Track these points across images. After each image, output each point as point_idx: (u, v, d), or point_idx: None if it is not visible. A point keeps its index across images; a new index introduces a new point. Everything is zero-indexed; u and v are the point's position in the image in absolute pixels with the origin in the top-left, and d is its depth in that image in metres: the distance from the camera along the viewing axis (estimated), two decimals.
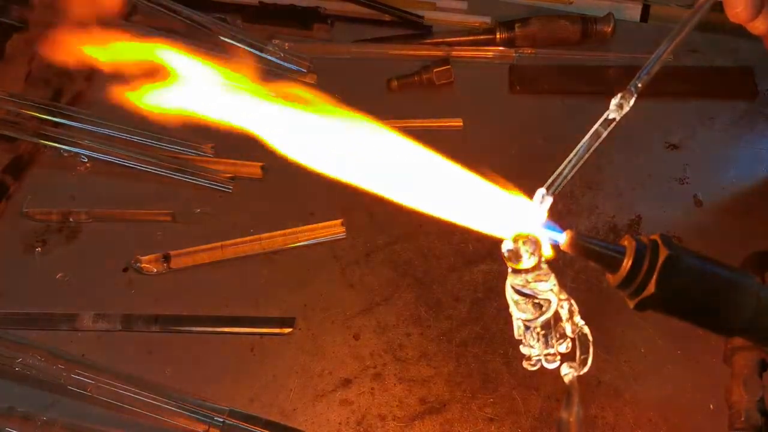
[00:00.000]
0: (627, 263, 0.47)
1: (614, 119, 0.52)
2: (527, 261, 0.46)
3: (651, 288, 0.46)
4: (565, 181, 0.48)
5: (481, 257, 0.79)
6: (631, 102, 0.52)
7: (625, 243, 0.48)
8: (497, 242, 0.84)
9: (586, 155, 0.50)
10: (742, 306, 0.48)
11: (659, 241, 0.47)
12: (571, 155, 0.49)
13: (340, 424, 0.68)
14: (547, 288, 0.48)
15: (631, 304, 0.48)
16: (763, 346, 0.58)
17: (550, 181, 0.48)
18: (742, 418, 0.56)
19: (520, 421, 0.67)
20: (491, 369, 0.71)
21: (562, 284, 0.75)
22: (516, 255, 0.46)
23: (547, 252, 0.47)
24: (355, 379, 0.71)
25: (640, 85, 0.53)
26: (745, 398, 0.56)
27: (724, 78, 0.97)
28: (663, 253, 0.46)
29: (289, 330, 0.74)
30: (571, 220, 0.82)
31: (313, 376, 0.71)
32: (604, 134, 0.51)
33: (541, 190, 0.47)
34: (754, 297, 0.48)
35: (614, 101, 0.52)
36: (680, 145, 0.90)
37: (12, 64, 0.93)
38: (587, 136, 0.50)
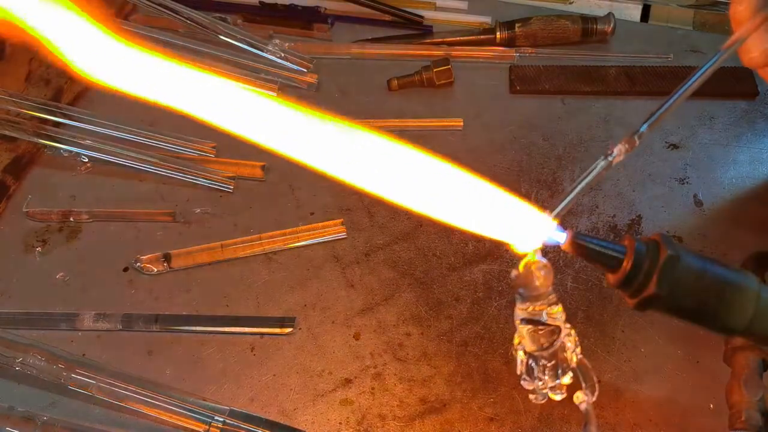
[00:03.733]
0: (627, 263, 0.47)
1: (610, 162, 0.51)
2: (539, 287, 0.46)
3: (651, 288, 0.46)
4: (568, 206, 0.48)
5: (481, 257, 0.79)
6: (634, 148, 0.52)
7: (625, 243, 0.48)
8: (497, 242, 0.85)
9: (583, 184, 0.49)
10: (742, 306, 0.48)
11: (659, 241, 0.47)
12: (575, 185, 0.49)
13: (340, 423, 0.68)
14: (556, 314, 0.47)
15: (631, 304, 0.48)
16: (763, 346, 0.58)
17: (557, 209, 0.47)
18: (742, 418, 0.56)
19: (521, 421, 0.68)
20: (491, 368, 0.71)
21: (563, 284, 0.75)
22: (527, 280, 0.46)
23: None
24: (356, 378, 0.71)
25: (644, 131, 0.53)
26: (745, 398, 0.56)
27: (724, 78, 0.97)
28: (663, 253, 0.46)
29: (289, 330, 0.74)
30: (571, 220, 0.82)
31: (313, 376, 0.71)
32: (596, 171, 0.50)
33: (548, 218, 0.46)
34: (754, 297, 0.48)
35: (619, 147, 0.52)
36: (680, 145, 0.90)
37: (12, 63, 0.93)
38: (588, 173, 0.50)
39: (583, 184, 0.49)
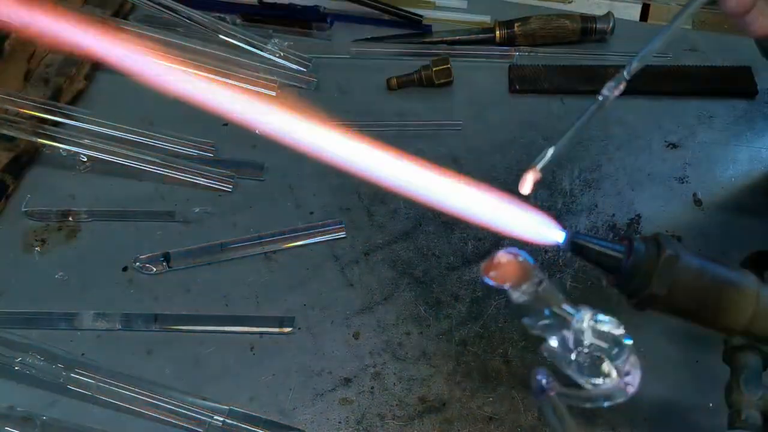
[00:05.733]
0: (626, 262, 0.47)
1: (607, 98, 0.53)
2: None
3: (650, 288, 0.46)
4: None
5: (480, 256, 0.79)
6: (621, 88, 0.55)
7: (625, 242, 0.48)
8: (497, 242, 0.85)
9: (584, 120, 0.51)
10: (741, 305, 0.48)
11: (659, 241, 0.47)
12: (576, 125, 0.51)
13: (339, 423, 0.68)
14: (551, 292, 0.46)
15: (631, 304, 0.48)
16: (763, 346, 0.58)
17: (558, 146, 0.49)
18: (742, 418, 0.56)
19: (520, 420, 0.68)
20: (491, 368, 0.71)
21: (563, 284, 0.75)
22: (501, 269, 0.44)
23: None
24: (355, 378, 0.71)
25: (630, 71, 0.55)
26: (745, 398, 0.56)
27: (723, 77, 0.97)
28: (662, 253, 0.46)
29: (289, 330, 0.74)
30: (570, 219, 0.82)
31: (312, 376, 0.71)
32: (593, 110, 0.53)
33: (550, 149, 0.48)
34: (754, 296, 0.48)
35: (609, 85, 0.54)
36: (680, 145, 0.90)
37: (11, 63, 0.93)
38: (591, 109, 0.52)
39: (578, 124, 0.50)
